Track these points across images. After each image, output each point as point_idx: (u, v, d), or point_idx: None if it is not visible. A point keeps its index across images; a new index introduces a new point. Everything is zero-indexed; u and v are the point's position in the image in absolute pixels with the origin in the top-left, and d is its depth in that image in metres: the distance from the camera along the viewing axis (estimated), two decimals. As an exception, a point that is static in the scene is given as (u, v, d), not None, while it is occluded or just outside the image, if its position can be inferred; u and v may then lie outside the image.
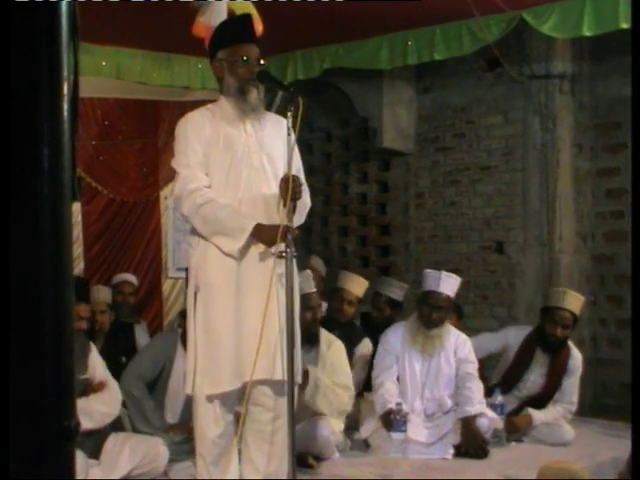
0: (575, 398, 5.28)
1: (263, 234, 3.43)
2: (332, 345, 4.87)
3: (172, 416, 4.74)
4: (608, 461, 4.68)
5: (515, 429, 5.11)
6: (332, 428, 4.63)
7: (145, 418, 4.66)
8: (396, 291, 5.89)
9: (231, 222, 3.46)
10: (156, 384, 4.77)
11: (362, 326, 5.84)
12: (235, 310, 3.50)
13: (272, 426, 3.62)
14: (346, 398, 4.79)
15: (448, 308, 5.02)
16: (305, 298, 4.38)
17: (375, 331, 5.42)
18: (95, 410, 4.20)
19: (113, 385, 4.36)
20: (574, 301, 5.26)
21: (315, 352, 4.77)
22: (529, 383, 5.30)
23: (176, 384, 4.68)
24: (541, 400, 5.26)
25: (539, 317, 5.38)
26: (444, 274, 4.96)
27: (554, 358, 5.25)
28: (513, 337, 5.42)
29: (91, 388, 4.26)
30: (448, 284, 4.94)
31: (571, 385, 5.26)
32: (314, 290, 4.76)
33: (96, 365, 4.33)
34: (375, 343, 5.21)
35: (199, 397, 3.58)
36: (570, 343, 5.34)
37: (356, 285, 5.58)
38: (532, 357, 5.28)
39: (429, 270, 5.11)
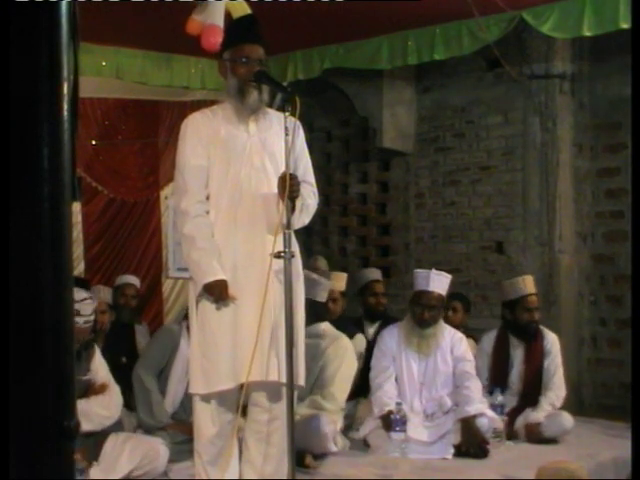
0: (560, 382, 5.29)
1: (210, 292, 3.50)
2: (336, 341, 4.94)
3: (172, 403, 4.76)
4: (608, 461, 4.67)
5: (533, 436, 5.08)
6: (328, 421, 4.62)
7: (150, 410, 4.69)
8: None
9: (195, 267, 3.55)
10: (162, 372, 4.82)
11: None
12: (232, 310, 3.51)
13: (268, 427, 3.62)
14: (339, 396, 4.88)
15: (440, 307, 5.01)
16: (317, 304, 4.76)
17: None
18: (94, 412, 4.18)
19: (114, 389, 4.34)
20: (530, 284, 5.45)
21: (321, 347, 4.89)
22: (514, 375, 5.36)
23: (179, 370, 4.70)
24: (533, 388, 5.29)
25: (503, 310, 5.50)
26: (433, 273, 4.94)
27: (528, 343, 5.36)
28: (485, 341, 5.51)
29: (92, 390, 4.24)
30: (438, 282, 4.93)
31: (552, 365, 5.30)
32: (325, 301, 4.97)
33: (99, 368, 4.32)
34: None
35: (196, 395, 3.61)
36: (542, 327, 5.44)
37: (336, 281, 5.66)
38: (508, 349, 5.39)
39: (418, 270, 5.11)
